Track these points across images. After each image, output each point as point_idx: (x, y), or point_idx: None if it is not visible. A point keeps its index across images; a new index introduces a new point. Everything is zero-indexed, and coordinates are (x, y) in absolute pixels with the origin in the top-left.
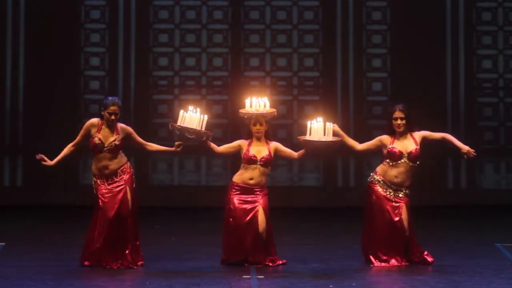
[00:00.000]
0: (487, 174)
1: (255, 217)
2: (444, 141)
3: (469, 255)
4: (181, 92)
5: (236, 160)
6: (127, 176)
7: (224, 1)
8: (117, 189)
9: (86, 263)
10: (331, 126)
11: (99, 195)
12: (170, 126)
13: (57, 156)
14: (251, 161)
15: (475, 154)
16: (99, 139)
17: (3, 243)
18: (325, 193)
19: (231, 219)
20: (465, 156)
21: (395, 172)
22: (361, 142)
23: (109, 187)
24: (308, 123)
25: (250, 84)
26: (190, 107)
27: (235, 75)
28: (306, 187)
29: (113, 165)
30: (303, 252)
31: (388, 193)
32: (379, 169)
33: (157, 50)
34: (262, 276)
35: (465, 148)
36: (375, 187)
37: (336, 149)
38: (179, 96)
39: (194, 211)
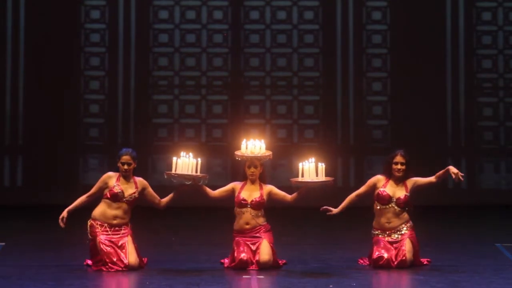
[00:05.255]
0: (487, 174)
1: (258, 248)
2: (436, 182)
3: (469, 255)
4: (181, 92)
5: (235, 159)
6: (129, 232)
7: (224, 1)
8: (118, 237)
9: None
10: (323, 166)
11: (99, 239)
12: (165, 175)
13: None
14: (241, 204)
15: (462, 176)
16: (120, 189)
17: (3, 243)
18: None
19: (236, 254)
20: (454, 178)
21: (385, 219)
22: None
23: (110, 232)
24: (300, 165)
25: (250, 85)
26: (182, 153)
27: (235, 75)
28: None
29: (123, 219)
30: (303, 252)
31: (390, 238)
32: (374, 223)
33: (157, 50)
34: (262, 276)
35: (451, 168)
36: (375, 238)
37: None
38: (179, 96)
39: (193, 211)
